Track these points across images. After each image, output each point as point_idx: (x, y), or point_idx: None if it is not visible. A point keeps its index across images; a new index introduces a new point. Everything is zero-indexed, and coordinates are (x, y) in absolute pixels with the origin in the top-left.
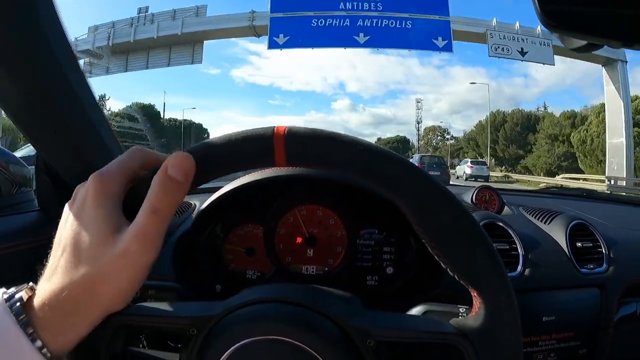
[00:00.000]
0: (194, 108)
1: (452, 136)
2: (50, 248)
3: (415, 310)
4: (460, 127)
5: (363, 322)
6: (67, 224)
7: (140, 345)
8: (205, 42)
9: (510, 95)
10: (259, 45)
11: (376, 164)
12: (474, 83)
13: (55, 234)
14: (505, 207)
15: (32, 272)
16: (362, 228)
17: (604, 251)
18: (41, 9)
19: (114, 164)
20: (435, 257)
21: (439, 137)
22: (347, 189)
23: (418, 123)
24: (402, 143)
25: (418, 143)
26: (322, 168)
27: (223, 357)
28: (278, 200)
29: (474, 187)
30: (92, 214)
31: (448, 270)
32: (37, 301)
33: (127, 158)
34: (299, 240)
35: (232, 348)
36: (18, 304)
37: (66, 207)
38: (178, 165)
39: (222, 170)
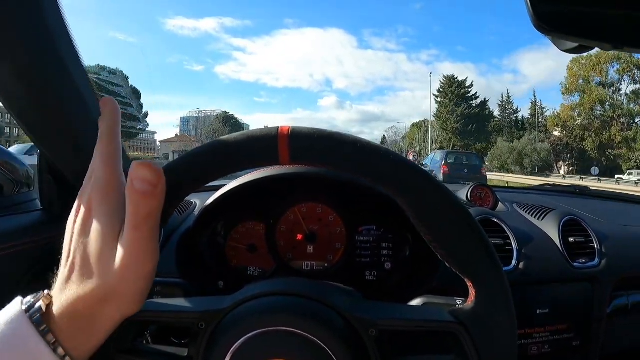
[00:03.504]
0: None
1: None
2: (56, 249)
3: (414, 303)
4: None
5: (366, 313)
6: (74, 234)
7: (144, 342)
8: (187, 37)
9: (499, 91)
10: (244, 41)
11: (375, 162)
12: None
13: (62, 236)
14: (500, 204)
15: (36, 271)
16: (361, 225)
17: (595, 246)
18: (45, 5)
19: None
20: (432, 249)
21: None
22: (345, 187)
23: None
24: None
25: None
26: (325, 166)
27: (232, 349)
28: (279, 198)
29: (469, 184)
30: (101, 216)
31: (444, 261)
32: (56, 310)
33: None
34: (299, 237)
35: (241, 340)
36: (38, 314)
37: (71, 216)
38: (139, 177)
39: (228, 169)
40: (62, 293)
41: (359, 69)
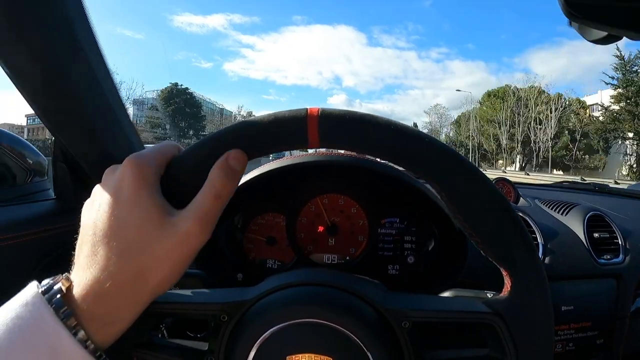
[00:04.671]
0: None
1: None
2: (73, 236)
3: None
4: None
5: (398, 304)
6: (100, 210)
7: (160, 335)
8: (196, 33)
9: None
10: (252, 38)
11: (410, 146)
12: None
13: (75, 226)
14: (521, 199)
15: (47, 261)
16: (384, 217)
17: (620, 242)
18: None
19: (149, 150)
20: (468, 236)
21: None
22: (368, 178)
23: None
24: None
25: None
26: (355, 150)
27: (257, 342)
28: (300, 188)
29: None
30: (136, 199)
31: (480, 249)
32: (78, 292)
33: (164, 146)
34: (320, 229)
35: (267, 332)
36: (58, 295)
37: (96, 192)
38: (238, 158)
39: (255, 153)
40: (86, 271)
41: (368, 66)
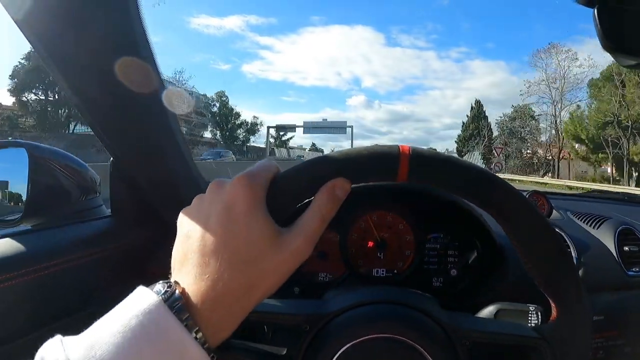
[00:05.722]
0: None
1: None
2: (128, 254)
3: (488, 310)
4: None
5: (461, 324)
6: (209, 223)
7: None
8: (213, 35)
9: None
10: (270, 39)
11: (485, 190)
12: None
13: (133, 242)
14: (554, 212)
15: (109, 277)
16: (429, 233)
17: None
18: (131, 12)
19: (257, 170)
20: (524, 267)
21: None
22: (414, 196)
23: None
24: None
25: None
26: (437, 187)
27: (338, 353)
28: (351, 206)
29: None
30: (249, 217)
31: (535, 281)
32: (196, 299)
33: (267, 165)
34: (370, 244)
35: (347, 345)
36: (179, 303)
37: (201, 204)
38: (343, 186)
39: (353, 181)
40: (200, 280)
41: (387, 67)
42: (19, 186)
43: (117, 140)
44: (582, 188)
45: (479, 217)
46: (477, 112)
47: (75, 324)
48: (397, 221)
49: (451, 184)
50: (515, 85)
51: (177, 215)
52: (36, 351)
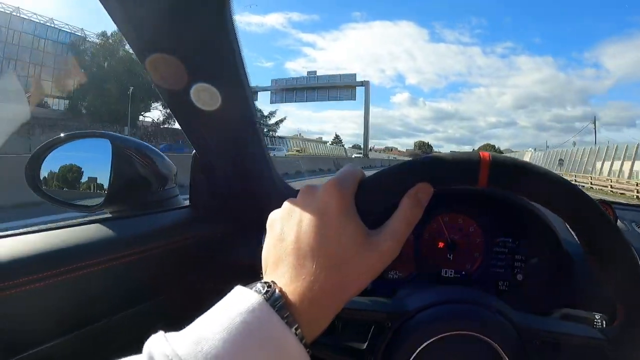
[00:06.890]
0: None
1: None
2: (203, 244)
3: (553, 315)
4: (524, 123)
5: (532, 324)
6: (303, 226)
7: None
8: (255, 33)
9: (579, 88)
10: (312, 36)
11: (558, 197)
12: None
13: (209, 233)
14: (619, 222)
15: (184, 268)
16: (498, 236)
17: None
18: (227, 24)
19: (345, 176)
20: (595, 272)
21: None
22: (485, 200)
23: None
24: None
25: None
26: (514, 193)
27: (419, 349)
28: (426, 208)
29: None
30: (341, 221)
31: (603, 284)
32: (294, 298)
33: (354, 171)
34: (440, 245)
35: (428, 341)
36: (280, 302)
37: (293, 208)
38: (426, 191)
39: (436, 186)
40: (296, 280)
41: (431, 63)
42: (100, 173)
43: (202, 136)
44: None
45: (550, 224)
46: None
47: (149, 310)
48: (468, 223)
49: (529, 192)
50: (561, 83)
51: (251, 209)
52: (122, 334)
